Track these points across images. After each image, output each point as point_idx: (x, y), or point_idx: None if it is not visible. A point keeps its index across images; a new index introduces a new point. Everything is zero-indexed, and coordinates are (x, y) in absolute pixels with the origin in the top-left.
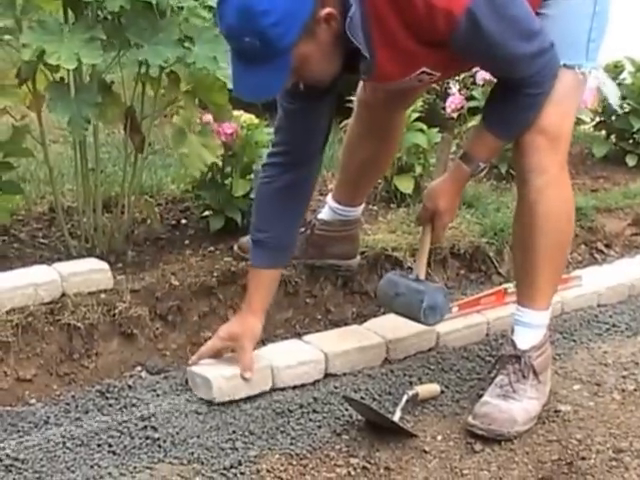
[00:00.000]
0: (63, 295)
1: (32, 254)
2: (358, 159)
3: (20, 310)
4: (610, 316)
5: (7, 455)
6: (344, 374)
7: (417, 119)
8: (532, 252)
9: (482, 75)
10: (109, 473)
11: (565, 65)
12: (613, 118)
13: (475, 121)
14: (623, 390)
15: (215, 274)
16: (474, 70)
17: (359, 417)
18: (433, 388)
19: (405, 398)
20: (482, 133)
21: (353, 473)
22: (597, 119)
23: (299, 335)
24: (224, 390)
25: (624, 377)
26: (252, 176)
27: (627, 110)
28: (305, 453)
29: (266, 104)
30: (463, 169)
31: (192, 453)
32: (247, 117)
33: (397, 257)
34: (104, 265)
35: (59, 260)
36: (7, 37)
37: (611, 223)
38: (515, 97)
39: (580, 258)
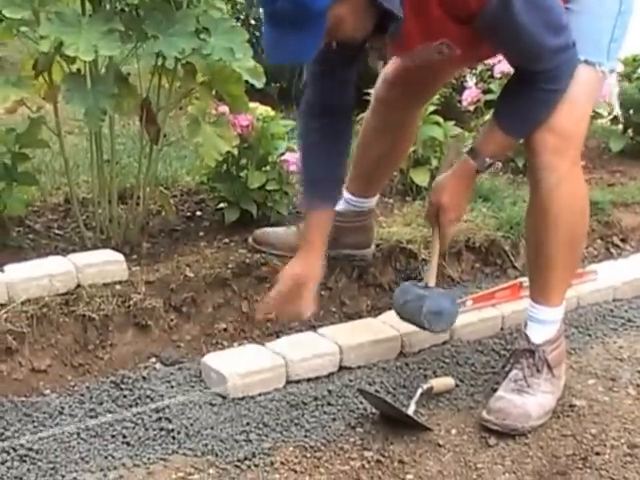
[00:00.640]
0: (78, 286)
1: (47, 245)
2: (373, 153)
3: (35, 301)
4: (626, 311)
5: (21, 445)
6: (359, 367)
7: (433, 112)
8: (545, 249)
9: (499, 68)
10: (123, 464)
11: (586, 61)
12: (631, 112)
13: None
14: (638, 385)
15: (230, 266)
16: (491, 63)
17: (373, 410)
18: (448, 382)
19: (420, 391)
20: (491, 128)
21: (367, 466)
22: (614, 113)
23: (314, 328)
24: (238, 387)
25: (639, 372)
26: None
27: None
28: (319, 446)
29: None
30: (469, 164)
31: (206, 445)
32: (263, 109)
33: (412, 250)
34: (119, 256)
35: (74, 251)
36: (24, 29)
37: (627, 218)
38: (529, 92)
39: (596, 252)
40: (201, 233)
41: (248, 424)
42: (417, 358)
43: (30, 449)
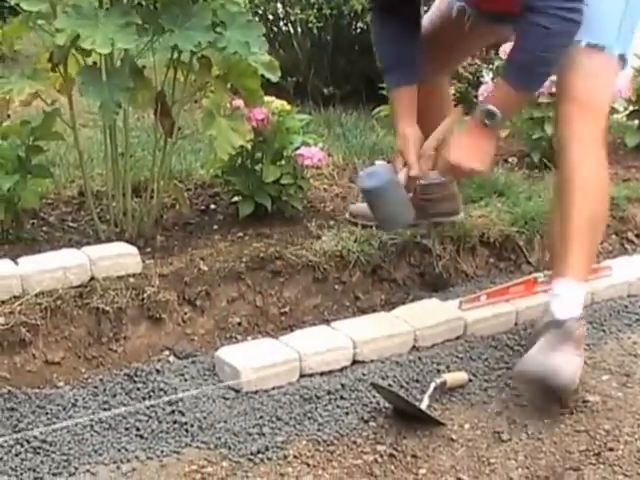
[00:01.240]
0: (92, 279)
1: (61, 238)
2: (430, 128)
3: (49, 293)
4: None
5: (35, 437)
6: (372, 361)
7: None
8: (568, 223)
9: None
10: (136, 457)
11: (595, 46)
12: None
13: None
14: None
15: (244, 259)
16: None
17: (386, 404)
18: (461, 376)
19: (433, 386)
20: (496, 80)
21: (380, 460)
22: (630, 108)
23: (327, 322)
24: (252, 380)
25: None
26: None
27: None
28: (332, 439)
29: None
30: (475, 116)
31: (219, 438)
32: (278, 103)
33: (426, 245)
34: (133, 249)
35: (88, 244)
36: (40, 22)
37: None
38: (524, 33)
39: (611, 248)
40: (215, 226)
41: (261, 417)
42: (430, 352)
43: (43, 441)
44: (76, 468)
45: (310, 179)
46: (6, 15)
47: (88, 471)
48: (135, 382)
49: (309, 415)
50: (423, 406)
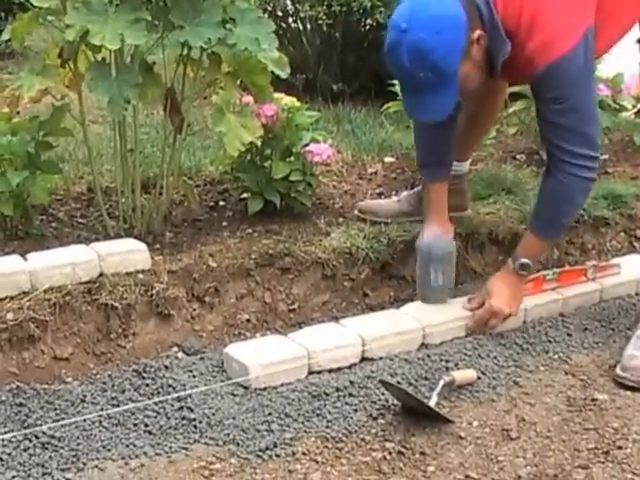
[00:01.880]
0: (101, 275)
1: (70, 234)
2: (465, 126)
3: (58, 289)
4: None
5: (44, 433)
6: (381, 358)
7: None
8: None
9: None
10: (145, 453)
11: None
12: None
13: (516, 106)
14: None
15: (253, 256)
16: None
17: (395, 401)
18: (470, 374)
19: (442, 383)
20: (526, 232)
21: (388, 457)
22: (639, 106)
23: (336, 319)
24: (260, 377)
25: None
26: None
27: None
28: (341, 436)
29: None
30: (509, 266)
31: (228, 434)
32: (288, 100)
33: None
34: (142, 245)
35: (97, 240)
36: (50, 17)
37: None
38: (550, 188)
39: (619, 246)
40: (224, 223)
41: (270, 414)
42: (439, 350)
43: (52, 436)
44: (84, 464)
45: (319, 176)
46: (16, 11)
47: (96, 467)
48: (144, 378)
49: (318, 412)
50: (432, 403)
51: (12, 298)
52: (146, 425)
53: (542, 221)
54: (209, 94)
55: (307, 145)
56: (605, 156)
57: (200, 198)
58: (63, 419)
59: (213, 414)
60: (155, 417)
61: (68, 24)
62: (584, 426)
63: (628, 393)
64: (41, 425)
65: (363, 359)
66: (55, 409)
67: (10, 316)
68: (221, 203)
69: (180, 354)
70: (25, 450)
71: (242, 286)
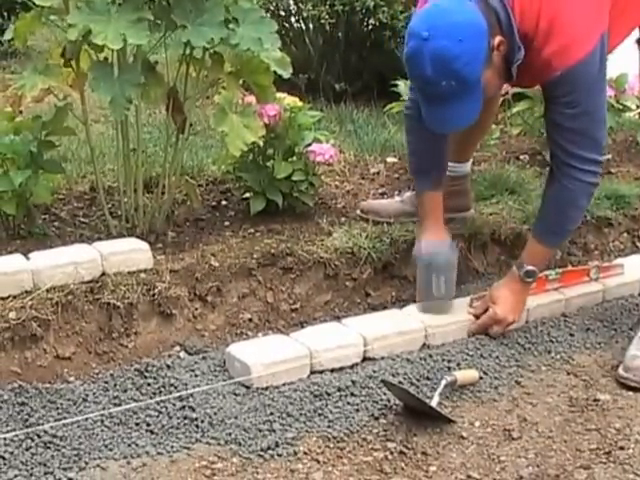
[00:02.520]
0: (103, 274)
1: (73, 233)
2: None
3: (60, 288)
4: None
5: (46, 432)
6: (382, 358)
7: None
8: None
9: None
10: (146, 452)
11: None
12: None
13: (520, 107)
14: None
15: (255, 256)
16: None
17: (397, 401)
18: (472, 374)
19: (444, 383)
20: (530, 238)
21: (390, 457)
22: None
23: (338, 318)
24: (262, 377)
25: None
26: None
27: None
28: (342, 436)
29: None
30: (514, 273)
31: (229, 434)
32: (290, 100)
33: None
34: (144, 245)
35: (99, 239)
36: (53, 17)
37: None
38: (554, 194)
39: (622, 246)
40: (226, 223)
41: (272, 414)
42: (441, 350)
43: (54, 436)
44: (86, 463)
45: (321, 176)
46: (18, 10)
47: (98, 466)
48: (146, 377)
49: (319, 412)
50: (433, 403)
51: (15, 297)
52: (148, 424)
53: (546, 227)
54: (211, 94)
55: (309, 145)
56: (608, 156)
57: (202, 198)
58: (65, 418)
59: (215, 413)
60: (157, 416)
61: (70, 23)
62: (586, 426)
63: (630, 393)
64: (43, 424)
65: (365, 359)
66: (57, 408)
67: (13, 315)
68: (223, 203)
69: (182, 353)
70: (27, 449)
71: (244, 285)
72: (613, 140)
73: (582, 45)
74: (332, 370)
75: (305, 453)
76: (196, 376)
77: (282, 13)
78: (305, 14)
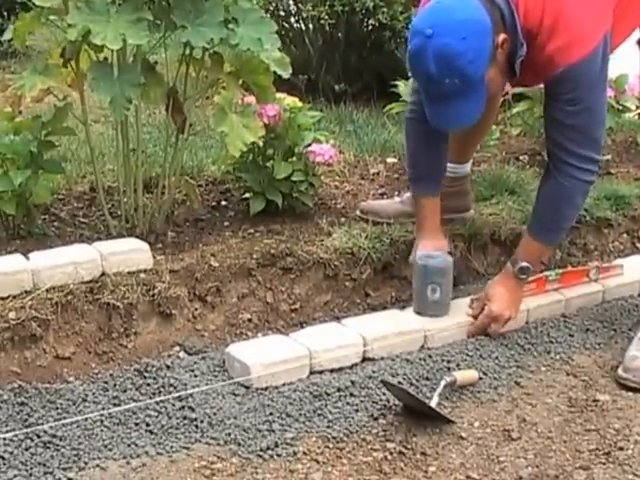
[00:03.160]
0: (103, 274)
1: (72, 233)
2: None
3: (60, 288)
4: None
5: (45, 432)
6: (382, 358)
7: None
8: None
9: None
10: (146, 452)
11: None
12: None
13: (520, 107)
14: None
15: (254, 256)
16: None
17: (396, 402)
18: (471, 374)
19: (443, 384)
20: (524, 234)
21: (389, 457)
22: None
23: (338, 319)
24: (262, 377)
25: None
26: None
27: None
28: (342, 436)
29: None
30: (509, 270)
31: (229, 434)
32: (290, 100)
33: None
34: (144, 245)
35: (99, 239)
36: (52, 17)
37: None
38: (549, 191)
39: (622, 247)
40: (226, 223)
41: (271, 414)
42: (441, 350)
43: (54, 435)
44: (86, 463)
45: (321, 176)
46: (18, 11)
47: (98, 466)
48: (145, 378)
49: (319, 412)
50: (433, 404)
51: (14, 297)
52: (147, 424)
53: (541, 225)
54: (211, 94)
55: (309, 145)
56: (608, 157)
57: (202, 198)
58: (65, 418)
59: (214, 414)
60: (156, 416)
61: (70, 24)
62: (585, 427)
63: (630, 394)
64: (43, 424)
65: (364, 359)
66: (57, 408)
67: (12, 315)
68: (223, 203)
69: (182, 353)
70: (27, 449)
71: (244, 286)
72: (613, 141)
73: (586, 43)
74: (332, 370)
75: (304, 453)
76: (196, 376)
77: (282, 13)
78: (305, 14)
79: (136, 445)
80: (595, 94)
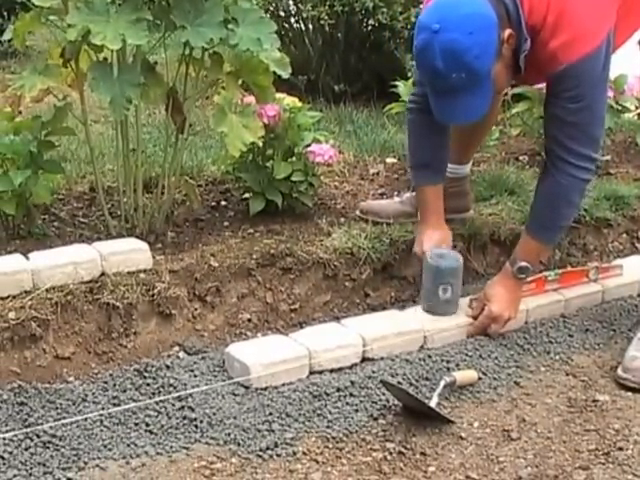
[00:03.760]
0: (102, 274)
1: (72, 233)
2: (463, 130)
3: (60, 288)
4: None
5: (45, 432)
6: (382, 358)
7: None
8: None
9: None
10: (146, 452)
11: None
12: None
13: (519, 108)
14: None
15: (254, 256)
16: None
17: (396, 402)
18: (471, 374)
19: (443, 384)
20: (522, 236)
21: (389, 457)
22: None
23: (337, 319)
24: (262, 377)
25: None
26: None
27: None
28: (341, 436)
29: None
30: (507, 270)
31: (229, 434)
32: (290, 100)
33: None
34: (144, 245)
35: (99, 239)
36: (52, 17)
37: None
38: (546, 188)
39: (621, 247)
40: (226, 223)
41: (271, 414)
42: (440, 351)
43: (53, 435)
44: (85, 463)
45: (321, 176)
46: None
47: (97, 466)
48: (145, 378)
49: (318, 412)
50: (432, 404)
51: (14, 297)
52: (147, 424)
53: (539, 223)
54: (211, 94)
55: (309, 145)
56: (607, 157)
57: (202, 198)
58: (64, 418)
59: (214, 414)
60: (156, 416)
61: (70, 24)
62: (585, 427)
63: (629, 394)
64: (42, 424)
65: (364, 359)
66: (56, 408)
67: (12, 315)
68: (223, 203)
69: (181, 353)
70: (26, 449)
71: (243, 286)
72: (612, 141)
73: (589, 40)
74: (331, 370)
75: (304, 453)
76: (195, 376)
77: (282, 14)
78: (305, 15)
79: (136, 445)
80: (597, 92)
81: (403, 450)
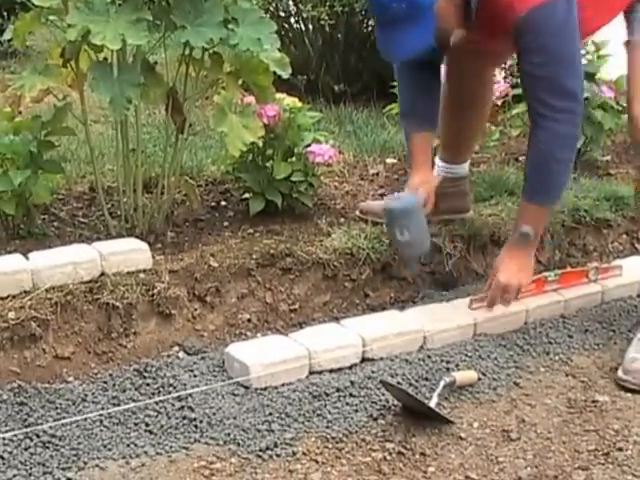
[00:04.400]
0: (102, 274)
1: (72, 233)
2: (455, 126)
3: (59, 288)
4: None
5: (45, 432)
6: (381, 359)
7: None
8: None
9: None
10: (145, 452)
11: None
12: None
13: (520, 108)
14: None
15: (254, 256)
16: None
17: (395, 402)
18: (470, 375)
19: (442, 384)
20: (520, 203)
21: (389, 458)
22: None
23: (337, 319)
24: (261, 377)
25: None
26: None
27: None
28: (341, 437)
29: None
30: (513, 237)
31: (228, 434)
32: (290, 100)
33: (436, 243)
34: (143, 245)
35: (99, 239)
36: (52, 17)
37: None
38: (534, 149)
39: (621, 248)
40: (226, 223)
41: (270, 414)
42: (440, 351)
43: (53, 435)
44: (85, 463)
45: (321, 176)
46: (18, 11)
47: (97, 466)
48: (145, 378)
49: (318, 412)
50: (432, 404)
51: (14, 297)
52: (147, 424)
53: (531, 186)
54: (211, 94)
55: (309, 146)
56: (608, 157)
57: (202, 198)
58: (64, 418)
59: (214, 414)
60: (156, 416)
61: (70, 24)
62: (584, 427)
63: (629, 395)
64: (42, 424)
65: (364, 359)
66: (56, 408)
67: (12, 315)
68: (223, 203)
69: (181, 354)
70: (26, 449)
71: (243, 286)
72: (612, 142)
73: None
74: (331, 371)
75: (304, 453)
76: (195, 376)
77: (282, 14)
78: (305, 15)
79: (135, 445)
80: (561, 44)
81: (403, 450)
